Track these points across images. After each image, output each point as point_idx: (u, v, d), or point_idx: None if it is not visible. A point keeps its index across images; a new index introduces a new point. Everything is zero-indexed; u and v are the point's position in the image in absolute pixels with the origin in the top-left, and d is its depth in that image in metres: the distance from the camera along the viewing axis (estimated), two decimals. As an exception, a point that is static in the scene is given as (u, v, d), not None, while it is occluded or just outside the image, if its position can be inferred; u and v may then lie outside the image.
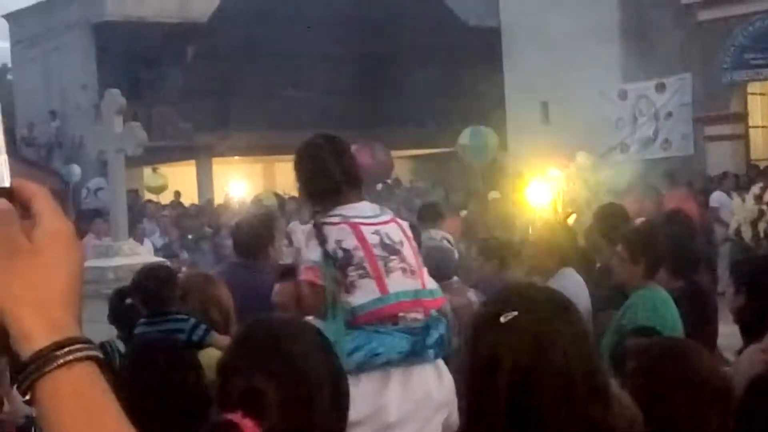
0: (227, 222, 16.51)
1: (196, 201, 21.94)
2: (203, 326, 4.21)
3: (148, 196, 21.43)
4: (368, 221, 3.72)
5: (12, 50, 29.26)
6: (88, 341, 1.02)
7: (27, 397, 0.99)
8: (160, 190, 21.63)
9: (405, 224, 3.94)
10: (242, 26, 23.16)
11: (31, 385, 0.99)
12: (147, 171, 21.95)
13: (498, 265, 6.12)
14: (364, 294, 3.59)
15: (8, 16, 28.56)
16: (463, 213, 14.70)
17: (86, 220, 13.65)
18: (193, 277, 4.88)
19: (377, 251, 3.63)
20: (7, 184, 1.05)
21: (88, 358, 1.00)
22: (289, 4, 23.63)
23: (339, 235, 3.63)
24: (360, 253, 3.61)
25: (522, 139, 21.36)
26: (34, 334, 0.99)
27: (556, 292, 2.27)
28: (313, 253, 3.69)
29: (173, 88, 23.94)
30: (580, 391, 1.88)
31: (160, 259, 8.51)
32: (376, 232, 3.68)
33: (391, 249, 3.67)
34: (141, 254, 8.22)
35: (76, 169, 21.52)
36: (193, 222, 16.91)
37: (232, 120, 22.68)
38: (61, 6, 25.60)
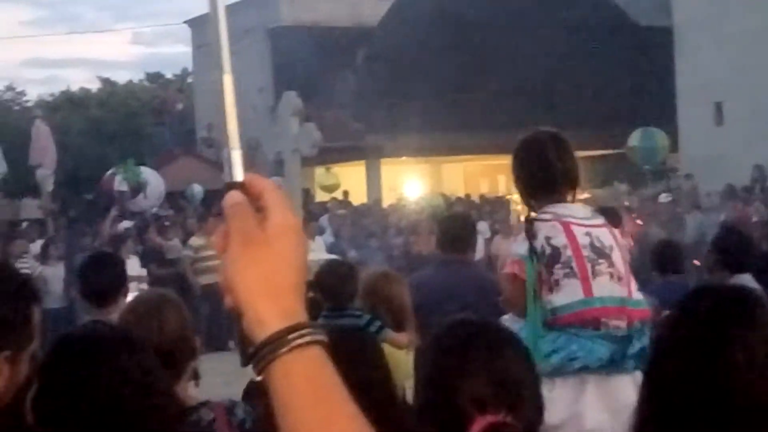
0: (395, 222, 16.87)
1: (364, 200, 22.38)
2: (377, 322, 4.37)
3: (320, 195, 22.02)
4: (580, 222, 3.60)
5: (193, 54, 30.55)
6: (314, 326, 1.08)
7: (259, 378, 1.07)
8: (332, 189, 22.18)
9: (617, 231, 3.79)
10: (412, 29, 23.46)
11: (264, 367, 1.06)
12: (319, 170, 22.52)
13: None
14: (567, 294, 3.48)
15: (190, 22, 29.82)
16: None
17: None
18: (368, 275, 5.01)
19: (586, 252, 3.51)
20: (240, 178, 1.12)
21: (316, 342, 1.07)
22: (460, 5, 23.78)
23: (549, 231, 3.53)
24: (568, 252, 3.50)
25: (694, 140, 20.81)
26: (268, 320, 1.06)
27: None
28: (520, 248, 3.63)
29: (345, 90, 24.49)
30: None
31: (333, 256, 8.83)
32: (587, 234, 3.56)
33: (601, 252, 3.54)
34: (314, 251, 8.52)
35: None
36: (362, 221, 17.26)
37: (401, 121, 23.00)
38: (239, 12, 26.56)
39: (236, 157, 1.14)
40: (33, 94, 59.59)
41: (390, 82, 23.90)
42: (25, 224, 17.54)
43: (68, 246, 14.07)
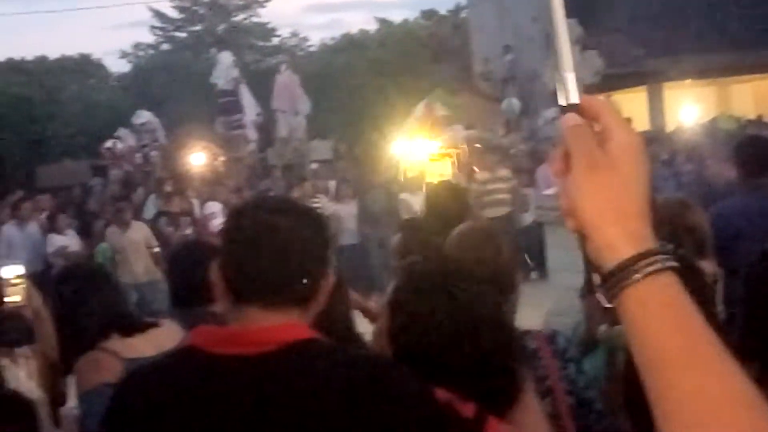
0: (683, 148, 16.24)
1: (647, 128, 21.71)
2: (680, 252, 4.28)
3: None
4: None
5: (469, -11, 30.66)
6: (666, 252, 1.03)
7: (609, 305, 1.04)
8: (616, 117, 21.66)
9: None
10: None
11: (617, 294, 1.02)
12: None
13: None
14: None
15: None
16: None
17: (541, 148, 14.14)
18: (665, 203, 4.87)
19: None
20: (576, 101, 1.08)
21: (670, 268, 1.02)
22: None
23: None
24: None
25: None
26: (618, 245, 1.03)
27: None
28: None
29: (623, 14, 23.73)
30: None
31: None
32: None
33: None
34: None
35: (515, 104, 22.22)
36: (647, 149, 16.77)
37: (683, 43, 22.01)
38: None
39: (570, 79, 1.10)
40: (316, 39, 62.15)
41: (669, 2, 22.91)
42: (315, 165, 18.48)
43: (359, 184, 14.71)
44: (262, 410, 1.78)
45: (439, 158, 14.58)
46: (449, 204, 5.06)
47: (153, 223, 13.93)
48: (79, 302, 3.47)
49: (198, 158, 18.00)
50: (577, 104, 1.09)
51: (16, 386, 3.26)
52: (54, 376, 3.63)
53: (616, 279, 1.02)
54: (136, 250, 12.89)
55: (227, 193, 14.66)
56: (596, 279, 1.06)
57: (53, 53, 38.94)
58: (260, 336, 1.85)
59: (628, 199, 1.04)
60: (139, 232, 13.18)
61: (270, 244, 1.89)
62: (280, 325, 1.87)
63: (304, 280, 1.91)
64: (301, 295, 1.91)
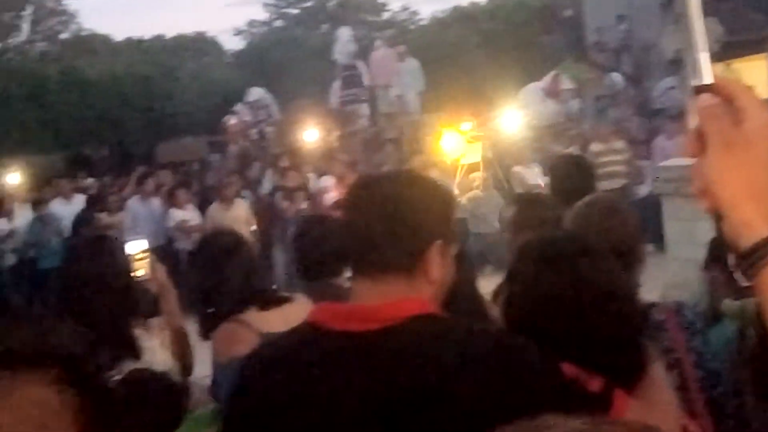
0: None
1: (766, 96, 21.02)
2: None
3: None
4: None
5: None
6: None
7: (747, 283, 1.05)
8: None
9: None
10: None
11: (756, 272, 1.04)
12: (718, 67, 21.44)
13: None
14: None
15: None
16: None
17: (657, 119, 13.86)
18: None
19: None
20: (710, 81, 1.11)
21: None
22: None
23: None
24: None
25: None
26: (755, 224, 1.04)
27: None
28: None
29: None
30: None
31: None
32: None
33: None
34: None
35: (617, 80, 21.65)
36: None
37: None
38: None
39: (704, 59, 1.13)
40: (426, 12, 61.94)
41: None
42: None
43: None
44: (382, 386, 1.77)
45: (473, 141, 14.49)
46: (573, 177, 5.02)
47: (269, 198, 14.21)
48: (219, 270, 3.53)
49: (312, 133, 18.23)
50: (710, 84, 1.11)
51: (151, 356, 3.36)
52: (184, 346, 3.74)
53: (753, 257, 1.04)
54: (235, 227, 13.17)
55: (341, 167, 14.83)
56: (731, 257, 1.09)
57: (170, 32, 39.90)
58: (378, 312, 1.86)
59: (765, 178, 1.06)
60: (240, 210, 13.47)
61: (376, 216, 1.90)
62: (398, 301, 1.87)
63: (416, 252, 1.90)
64: (406, 267, 1.91)
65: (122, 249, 3.56)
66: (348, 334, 1.85)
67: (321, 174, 14.93)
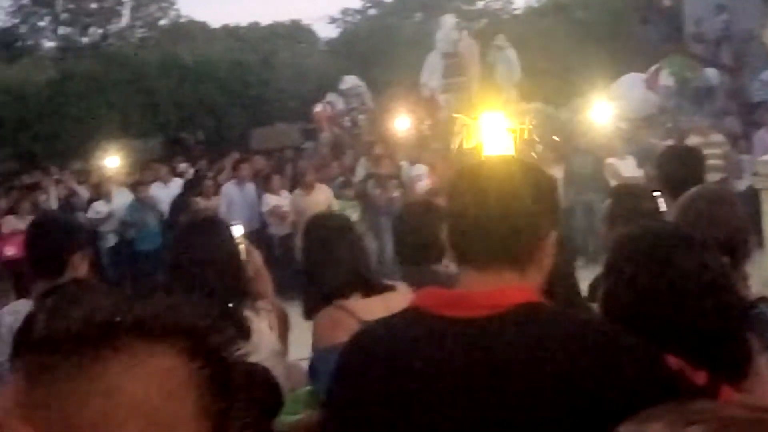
0: None
1: None
2: None
3: None
4: None
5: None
6: None
7: None
8: None
9: None
10: None
11: None
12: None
13: None
14: None
15: None
16: None
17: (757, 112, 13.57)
18: None
19: None
20: None
21: None
22: None
23: None
24: None
25: None
26: None
27: None
28: None
29: None
30: None
31: None
32: None
33: None
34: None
35: (710, 75, 21.22)
36: None
37: None
38: None
39: None
40: (521, 1, 61.41)
41: None
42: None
43: (563, 149, 14.59)
44: (485, 373, 1.77)
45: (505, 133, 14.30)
46: (681, 168, 4.95)
47: (362, 185, 14.33)
48: (327, 252, 3.56)
49: (404, 121, 18.30)
50: None
51: (259, 338, 3.40)
52: (286, 329, 3.80)
53: None
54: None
55: (434, 155, 14.85)
56: None
57: (265, 20, 40.39)
58: (486, 298, 1.85)
59: None
60: (321, 196, 13.61)
61: (491, 205, 1.88)
62: (505, 288, 1.86)
63: (524, 242, 1.89)
64: (521, 257, 1.89)
65: (232, 231, 3.65)
66: (455, 319, 1.83)
67: (414, 162, 14.99)
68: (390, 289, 3.55)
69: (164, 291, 1.13)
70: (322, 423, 2.07)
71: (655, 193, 4.47)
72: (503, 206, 1.88)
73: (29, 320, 2.89)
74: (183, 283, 3.33)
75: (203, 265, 3.39)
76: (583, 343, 1.77)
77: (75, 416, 1.04)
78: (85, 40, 38.17)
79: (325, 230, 3.67)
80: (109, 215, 15.06)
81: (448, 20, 22.45)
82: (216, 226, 3.69)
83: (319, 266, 3.59)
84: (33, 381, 1.07)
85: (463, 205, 1.93)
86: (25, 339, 1.10)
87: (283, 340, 3.68)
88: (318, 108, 21.32)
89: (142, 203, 14.86)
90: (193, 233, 3.60)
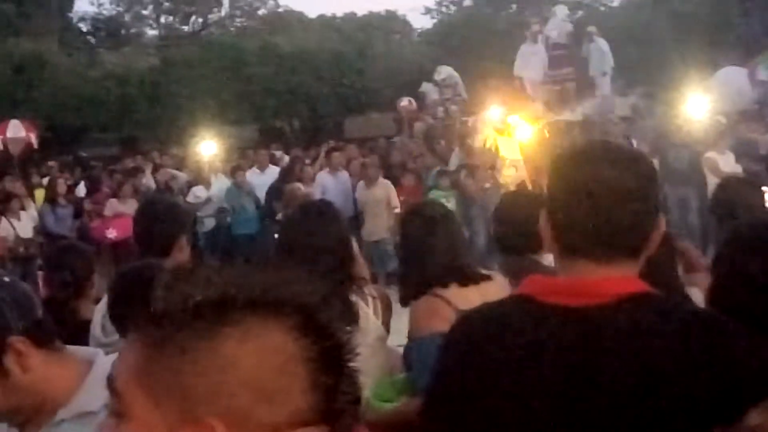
0: None
1: None
2: None
3: None
4: None
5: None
6: None
7: None
8: None
9: None
10: None
11: None
12: None
13: None
14: None
15: None
16: None
17: None
18: None
19: None
20: None
21: None
22: None
23: None
24: None
25: None
26: None
27: None
28: None
29: None
30: None
31: None
32: None
33: None
34: None
35: None
36: None
37: None
38: None
39: None
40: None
41: None
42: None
43: (659, 142, 14.44)
44: (595, 362, 1.75)
45: (508, 135, 14.15)
46: None
47: (455, 175, 14.40)
48: (426, 240, 3.57)
49: (496, 112, 18.27)
50: None
51: (365, 323, 3.46)
52: (389, 315, 3.77)
53: None
54: (376, 207, 13.45)
55: (526, 146, 14.78)
56: None
57: (361, 10, 40.63)
58: (596, 287, 1.82)
59: None
60: (382, 190, 13.70)
61: (601, 196, 1.82)
62: (615, 278, 1.83)
63: (643, 232, 1.86)
64: (633, 247, 1.87)
65: (342, 217, 3.71)
66: (565, 308, 1.81)
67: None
68: (486, 278, 3.55)
69: (274, 268, 1.18)
70: (422, 410, 2.04)
71: (764, 188, 4.39)
72: (621, 196, 1.83)
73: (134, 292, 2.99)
74: (292, 265, 3.37)
75: (316, 249, 3.42)
76: (697, 333, 1.75)
77: (191, 387, 1.09)
78: (186, 28, 38.99)
79: (424, 218, 3.66)
80: (208, 200, 15.41)
81: (561, 10, 22.29)
82: (330, 210, 3.74)
83: (417, 254, 3.60)
84: (151, 352, 1.12)
85: (574, 195, 1.86)
86: (141, 312, 1.15)
87: (386, 326, 3.70)
88: (403, 102, 21.42)
89: (240, 188, 15.17)
90: (308, 217, 3.63)
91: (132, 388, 1.12)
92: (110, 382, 1.15)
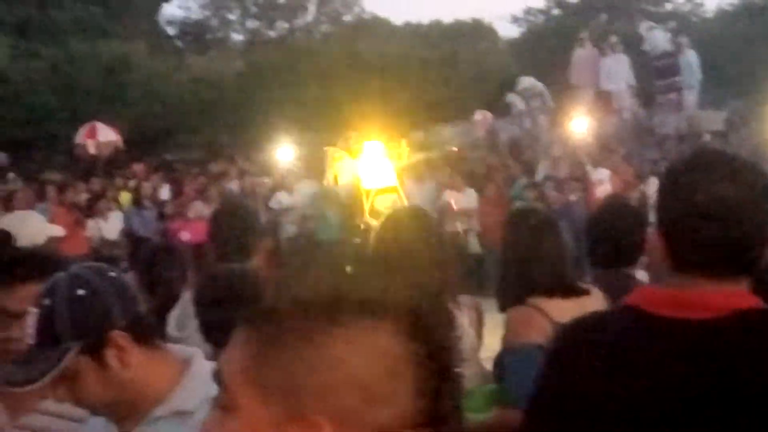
0: None
1: None
2: None
3: None
4: None
5: None
6: None
7: None
8: None
9: None
10: None
11: None
12: None
13: None
14: None
15: None
16: None
17: None
18: None
19: None
20: None
21: None
22: None
23: None
24: None
25: None
26: None
27: None
28: None
29: None
30: None
31: None
32: None
33: None
34: None
35: None
36: None
37: None
38: None
39: None
40: (712, 4, 59.42)
41: None
42: (707, 136, 17.85)
43: (753, 156, 14.02)
44: (710, 377, 1.72)
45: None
46: None
47: (541, 187, 14.21)
48: (530, 247, 3.49)
49: (583, 123, 17.98)
50: None
51: (461, 332, 3.43)
52: (481, 326, 3.77)
53: None
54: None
55: (617, 159, 14.52)
56: None
57: (447, 17, 40.57)
58: (710, 301, 1.79)
59: None
60: (468, 199, 13.74)
61: (721, 215, 1.79)
62: (731, 292, 1.81)
63: (754, 248, 1.82)
64: (749, 262, 1.83)
65: (436, 224, 3.68)
66: (676, 320, 1.78)
67: (596, 165, 14.72)
68: (586, 292, 3.47)
69: (382, 272, 1.20)
70: (524, 424, 1.97)
71: None
72: (741, 214, 1.79)
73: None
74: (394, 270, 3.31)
75: (417, 255, 3.32)
76: None
77: (300, 385, 1.10)
78: (271, 33, 39.39)
79: (532, 224, 3.58)
80: (291, 206, 15.46)
81: (648, 24, 21.95)
82: (426, 217, 3.74)
83: (523, 261, 3.50)
84: (261, 349, 1.13)
85: (693, 215, 1.81)
86: (251, 309, 1.17)
87: (478, 337, 3.70)
88: (478, 116, 21.40)
89: (324, 194, 15.18)
90: (403, 223, 3.58)
91: (240, 383, 1.14)
92: (217, 375, 1.17)
